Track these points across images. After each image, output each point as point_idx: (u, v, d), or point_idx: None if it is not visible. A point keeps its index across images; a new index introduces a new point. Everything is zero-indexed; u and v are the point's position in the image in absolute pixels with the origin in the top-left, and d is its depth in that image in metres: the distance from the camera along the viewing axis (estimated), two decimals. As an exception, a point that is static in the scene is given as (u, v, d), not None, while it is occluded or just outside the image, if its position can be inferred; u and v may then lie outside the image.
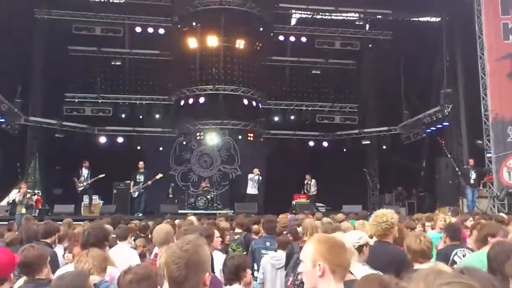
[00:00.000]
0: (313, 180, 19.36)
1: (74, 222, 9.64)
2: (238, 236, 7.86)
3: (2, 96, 17.10)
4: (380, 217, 4.73)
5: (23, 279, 3.81)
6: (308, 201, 18.69)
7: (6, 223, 10.56)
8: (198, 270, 2.44)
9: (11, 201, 16.12)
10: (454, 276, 1.60)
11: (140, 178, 17.58)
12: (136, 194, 17.38)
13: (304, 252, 2.77)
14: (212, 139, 22.45)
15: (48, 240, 6.23)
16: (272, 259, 6.40)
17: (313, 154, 22.71)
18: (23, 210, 14.77)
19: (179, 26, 21.45)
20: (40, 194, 19.06)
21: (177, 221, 8.72)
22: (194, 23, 20.97)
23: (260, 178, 18.19)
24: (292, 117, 23.14)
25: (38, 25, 21.07)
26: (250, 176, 18.26)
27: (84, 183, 17.16)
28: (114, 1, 21.67)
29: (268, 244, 7.00)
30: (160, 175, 17.88)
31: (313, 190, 19.23)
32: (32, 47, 20.76)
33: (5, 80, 16.96)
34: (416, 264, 4.45)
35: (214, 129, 22.15)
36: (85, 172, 17.19)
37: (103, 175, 17.28)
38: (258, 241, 7.28)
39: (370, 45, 23.26)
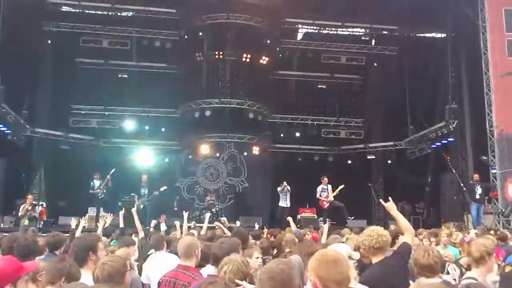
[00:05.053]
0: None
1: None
2: None
3: (8, 108, 17.19)
4: (380, 231, 4.62)
5: None
6: (315, 215, 18.48)
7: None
8: None
9: (15, 213, 16.17)
10: None
11: (144, 191, 17.63)
12: (141, 207, 17.42)
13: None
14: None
15: (57, 252, 6.27)
16: None
17: (318, 168, 22.67)
18: (26, 222, 14.83)
19: (186, 39, 21.60)
20: (45, 206, 19.11)
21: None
22: (200, 37, 21.11)
23: (285, 189, 17.70)
24: (298, 131, 23.15)
25: (46, 38, 21.29)
26: (278, 189, 18.08)
27: (101, 190, 17.18)
28: (122, 14, 21.86)
29: None
30: (164, 187, 17.90)
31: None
32: (39, 59, 20.92)
33: (12, 91, 17.05)
34: (422, 279, 4.41)
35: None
36: (97, 183, 17.24)
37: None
38: None
39: (375, 61, 23.34)
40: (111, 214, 11.76)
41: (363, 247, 4.62)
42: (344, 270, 2.72)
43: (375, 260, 4.49)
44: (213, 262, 4.47)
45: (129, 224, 10.31)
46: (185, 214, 10.49)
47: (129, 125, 22.12)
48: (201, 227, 11.23)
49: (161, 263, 5.88)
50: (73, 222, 11.13)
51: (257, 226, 12.69)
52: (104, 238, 7.47)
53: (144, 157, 21.72)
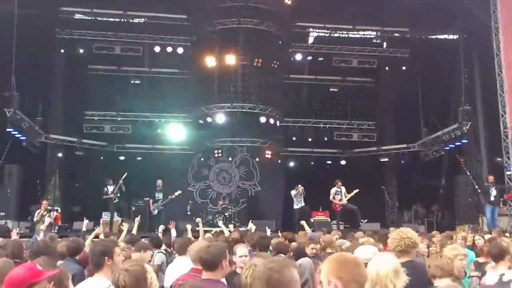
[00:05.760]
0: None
1: (94, 239, 9.67)
2: None
3: (23, 115, 17.36)
4: (404, 233, 4.70)
5: None
6: (328, 218, 18.38)
7: (27, 239, 10.63)
8: None
9: (30, 219, 16.28)
10: None
11: (159, 196, 17.71)
12: (156, 212, 17.49)
13: (321, 272, 2.78)
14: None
15: (77, 257, 6.30)
16: None
17: (331, 171, 22.63)
18: (42, 227, 14.93)
19: (197, 44, 21.71)
20: (59, 211, 19.25)
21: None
22: (212, 42, 21.21)
23: (300, 191, 17.57)
24: (310, 135, 23.14)
25: (59, 45, 21.49)
26: (293, 193, 17.99)
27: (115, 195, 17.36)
28: (134, 21, 22.05)
29: None
30: (179, 191, 17.97)
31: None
32: (53, 66, 21.11)
33: (26, 98, 17.23)
34: (436, 280, 4.43)
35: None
36: (110, 188, 17.36)
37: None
38: None
39: (387, 63, 23.27)
40: (125, 222, 11.85)
41: (390, 249, 4.72)
42: (363, 272, 2.73)
43: (401, 261, 4.52)
44: (202, 266, 4.48)
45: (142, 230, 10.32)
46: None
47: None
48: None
49: (180, 269, 5.90)
50: (85, 224, 11.31)
51: (268, 230, 12.55)
52: (122, 244, 7.44)
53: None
